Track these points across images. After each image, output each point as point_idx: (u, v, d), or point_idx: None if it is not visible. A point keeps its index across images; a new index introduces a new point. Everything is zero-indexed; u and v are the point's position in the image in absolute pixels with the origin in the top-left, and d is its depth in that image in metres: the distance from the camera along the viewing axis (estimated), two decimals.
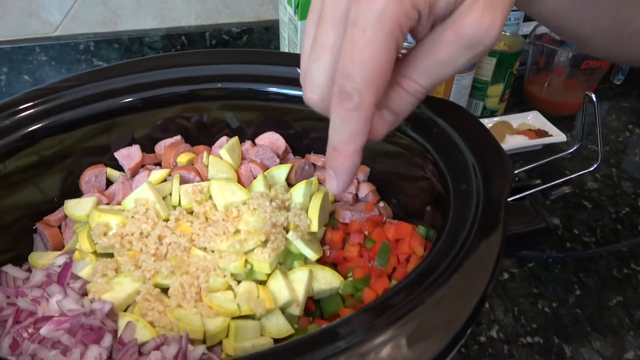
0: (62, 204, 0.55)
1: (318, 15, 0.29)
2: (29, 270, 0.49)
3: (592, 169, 0.49)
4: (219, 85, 0.58)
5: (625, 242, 0.72)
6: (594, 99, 0.46)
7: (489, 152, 0.45)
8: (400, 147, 0.53)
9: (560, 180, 0.49)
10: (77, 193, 0.57)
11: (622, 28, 0.43)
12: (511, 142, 0.88)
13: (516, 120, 0.93)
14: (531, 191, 0.49)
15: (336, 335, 0.31)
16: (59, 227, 0.54)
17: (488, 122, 0.91)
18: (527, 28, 1.04)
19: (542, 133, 0.91)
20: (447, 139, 0.48)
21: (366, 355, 0.29)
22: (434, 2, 0.27)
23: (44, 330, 0.38)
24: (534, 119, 0.94)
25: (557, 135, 0.89)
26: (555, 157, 0.53)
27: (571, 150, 0.53)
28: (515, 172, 0.52)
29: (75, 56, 0.96)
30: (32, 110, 0.52)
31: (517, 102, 1.02)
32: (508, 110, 0.99)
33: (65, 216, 0.54)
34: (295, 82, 0.59)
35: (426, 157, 0.49)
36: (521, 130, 0.91)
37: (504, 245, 0.37)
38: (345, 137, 0.29)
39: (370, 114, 0.28)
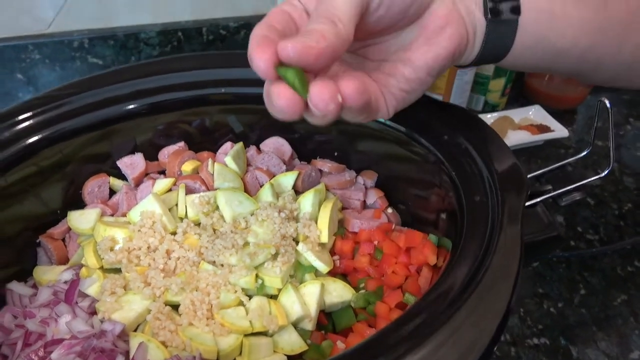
0: (65, 216, 0.53)
1: None
2: (34, 286, 0.48)
3: (603, 175, 0.49)
4: (223, 90, 0.57)
5: (629, 240, 0.72)
6: (608, 104, 0.45)
7: (503, 162, 0.44)
8: (411, 153, 0.52)
9: (572, 187, 0.49)
10: (79, 203, 0.55)
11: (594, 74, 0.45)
12: (514, 138, 0.87)
13: (518, 115, 0.93)
14: (542, 198, 0.48)
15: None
16: (63, 239, 0.53)
17: (490, 117, 0.90)
18: None
19: (544, 128, 0.90)
20: (459, 147, 0.47)
21: None
22: None
23: (55, 355, 0.37)
24: (535, 113, 0.93)
25: (559, 130, 0.89)
26: (565, 161, 0.52)
27: (581, 155, 0.53)
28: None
29: (69, 53, 0.94)
30: (31, 121, 0.50)
31: (518, 95, 1.02)
32: (509, 103, 0.99)
33: (69, 228, 0.52)
34: None
35: (438, 165, 0.48)
36: (523, 126, 0.91)
37: (522, 258, 0.36)
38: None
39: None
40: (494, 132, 0.47)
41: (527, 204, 0.47)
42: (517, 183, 0.42)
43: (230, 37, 1.01)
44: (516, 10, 0.39)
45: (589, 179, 0.50)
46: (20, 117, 0.50)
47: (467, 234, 0.40)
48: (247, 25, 1.00)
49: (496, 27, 0.40)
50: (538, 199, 0.48)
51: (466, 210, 0.43)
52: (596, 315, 0.63)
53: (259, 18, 1.03)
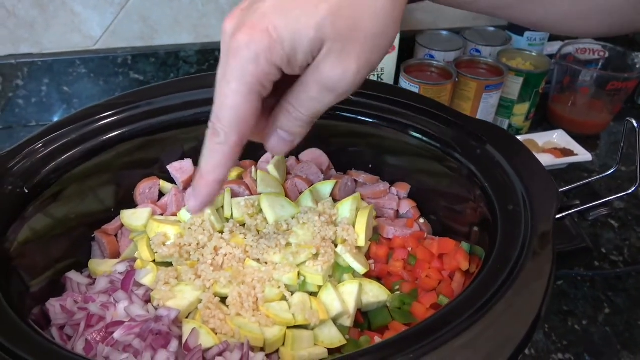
0: (117, 214, 0.57)
1: None
2: (89, 276, 0.52)
3: (630, 191, 0.51)
4: None
5: None
6: (635, 124, 0.48)
7: (534, 173, 0.47)
8: (444, 167, 0.55)
9: (599, 202, 0.51)
10: (130, 203, 0.59)
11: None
12: None
13: (542, 138, 0.95)
14: (570, 211, 0.50)
15: (393, 353, 0.33)
16: (115, 235, 0.57)
17: None
18: (552, 48, 1.06)
19: (567, 152, 0.92)
20: (491, 160, 0.50)
21: None
22: (292, 55, 0.31)
23: (117, 335, 0.40)
24: (559, 137, 0.95)
25: (583, 155, 0.91)
26: (593, 178, 0.55)
27: (609, 173, 0.55)
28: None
29: (113, 69, 0.99)
30: (93, 126, 0.55)
31: (541, 119, 1.04)
32: (532, 127, 1.01)
33: (122, 225, 0.56)
34: None
35: (470, 178, 0.51)
36: (547, 149, 0.93)
37: (555, 264, 0.39)
38: (210, 166, 0.36)
39: (234, 152, 0.35)
40: (523, 145, 0.50)
41: (556, 216, 0.50)
42: (549, 193, 0.44)
43: None
44: None
45: (616, 195, 0.52)
46: (84, 122, 0.55)
47: (501, 239, 0.43)
48: None
49: None
50: (567, 212, 0.50)
51: (500, 218, 0.45)
52: (621, 334, 0.64)
53: None
